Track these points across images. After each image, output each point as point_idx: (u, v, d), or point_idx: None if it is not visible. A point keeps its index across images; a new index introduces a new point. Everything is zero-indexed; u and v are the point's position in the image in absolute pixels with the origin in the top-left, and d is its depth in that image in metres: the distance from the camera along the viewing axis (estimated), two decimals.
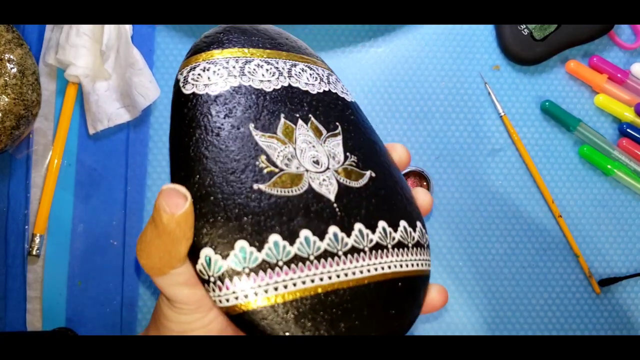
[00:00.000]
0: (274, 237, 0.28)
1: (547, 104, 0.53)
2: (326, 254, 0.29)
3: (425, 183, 0.52)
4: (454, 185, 0.53)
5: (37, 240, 0.51)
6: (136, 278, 0.52)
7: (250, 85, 0.32)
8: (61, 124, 0.52)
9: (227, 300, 0.28)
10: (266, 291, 0.28)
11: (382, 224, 0.31)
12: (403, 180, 0.35)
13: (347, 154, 0.33)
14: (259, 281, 0.28)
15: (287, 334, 0.28)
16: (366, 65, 0.54)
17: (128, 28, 0.51)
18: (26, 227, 0.52)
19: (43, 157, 0.52)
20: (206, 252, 0.28)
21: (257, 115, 0.32)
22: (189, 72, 0.32)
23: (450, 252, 0.53)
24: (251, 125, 0.31)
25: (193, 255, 0.28)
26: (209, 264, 0.28)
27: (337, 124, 0.34)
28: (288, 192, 0.30)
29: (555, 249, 0.53)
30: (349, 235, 0.30)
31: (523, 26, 0.53)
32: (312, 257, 0.29)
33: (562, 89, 0.54)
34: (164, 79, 0.54)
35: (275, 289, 0.28)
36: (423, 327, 0.53)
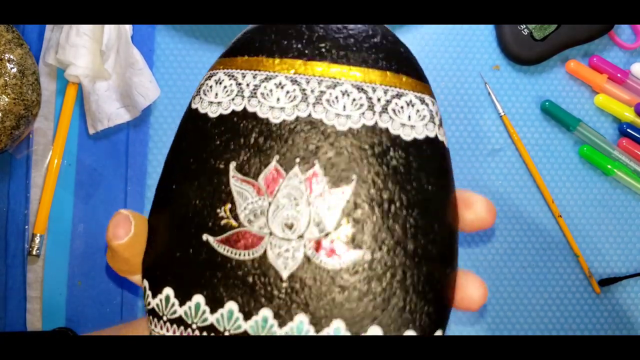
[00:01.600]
0: (198, 298, 0.26)
1: (547, 104, 0.53)
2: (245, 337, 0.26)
3: None
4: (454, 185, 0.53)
5: (37, 240, 0.51)
6: None
7: (254, 113, 0.27)
8: (61, 124, 0.52)
9: (152, 331, 0.28)
10: None
11: (337, 324, 0.25)
12: (430, 268, 0.26)
13: (344, 220, 0.26)
14: (171, 333, 0.27)
15: None
16: None
17: (128, 28, 0.51)
18: (26, 227, 0.52)
19: (43, 157, 0.52)
20: (145, 283, 0.28)
21: (246, 152, 0.27)
22: (206, 79, 0.29)
23: None
24: (232, 164, 0.27)
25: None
26: (144, 295, 0.28)
27: (354, 177, 0.26)
28: (236, 254, 0.26)
29: (555, 248, 0.53)
30: (282, 325, 0.25)
31: (523, 26, 0.53)
32: (226, 334, 0.26)
33: (562, 89, 0.54)
34: (164, 79, 0.54)
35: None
36: None
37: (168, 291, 0.27)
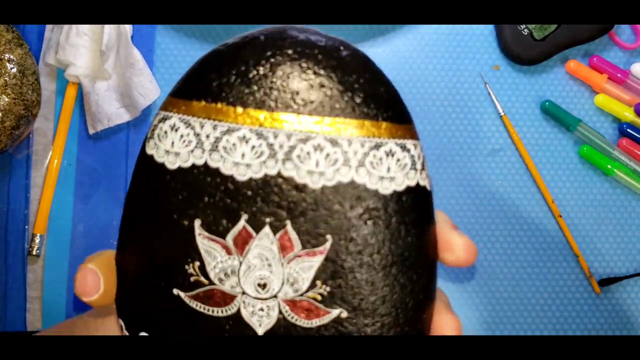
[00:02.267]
0: None
1: (547, 104, 0.53)
2: None
3: None
4: (454, 185, 0.53)
5: (37, 240, 0.51)
6: None
7: (217, 169, 0.25)
8: (61, 124, 0.52)
9: None
10: None
11: None
12: (406, 324, 0.26)
13: (317, 282, 0.25)
14: None
15: None
16: None
17: (128, 28, 0.51)
18: (26, 227, 0.52)
19: (43, 157, 0.52)
20: (120, 322, 0.27)
21: (212, 211, 0.25)
22: (160, 121, 0.26)
23: None
24: (197, 222, 0.25)
25: None
26: (122, 329, 0.27)
27: (329, 237, 0.24)
28: (208, 310, 0.25)
29: (555, 248, 0.53)
30: None
31: (523, 26, 0.53)
32: None
33: (562, 89, 0.54)
34: (164, 79, 0.54)
35: None
36: None
37: (144, 333, 0.26)
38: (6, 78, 0.47)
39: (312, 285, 0.25)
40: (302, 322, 0.25)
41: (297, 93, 0.24)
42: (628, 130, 0.53)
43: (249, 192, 0.25)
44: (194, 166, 0.25)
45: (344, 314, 0.25)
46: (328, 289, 0.25)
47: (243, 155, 0.25)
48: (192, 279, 0.25)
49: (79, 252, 0.52)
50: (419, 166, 0.26)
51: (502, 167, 0.54)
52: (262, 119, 0.24)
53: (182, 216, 0.25)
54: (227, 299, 0.25)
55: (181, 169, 0.25)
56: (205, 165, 0.25)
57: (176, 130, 0.25)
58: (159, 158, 0.26)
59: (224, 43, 0.26)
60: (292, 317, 0.25)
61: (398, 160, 0.25)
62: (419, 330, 0.26)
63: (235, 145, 0.25)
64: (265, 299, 0.25)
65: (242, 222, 0.25)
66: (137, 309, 0.26)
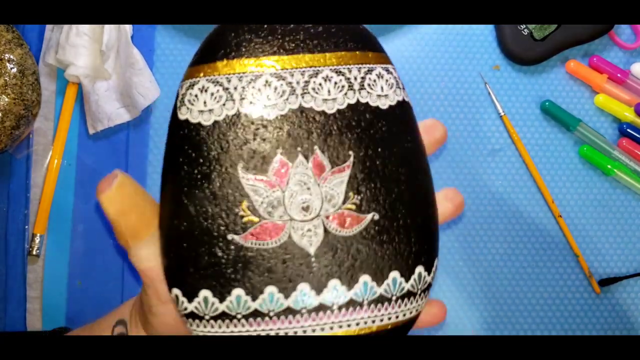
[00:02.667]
0: (237, 292, 0.28)
1: (547, 103, 0.53)
2: (287, 312, 0.28)
3: None
4: (454, 185, 0.53)
5: (37, 240, 0.51)
6: (136, 278, 0.52)
7: (248, 114, 0.28)
8: (61, 123, 0.52)
9: (194, 332, 0.29)
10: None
11: (364, 278, 0.29)
12: (422, 213, 0.31)
13: (350, 193, 0.29)
14: (217, 328, 0.28)
15: None
16: None
17: (128, 28, 0.51)
18: (26, 227, 0.52)
19: (43, 157, 0.52)
20: (175, 291, 0.29)
21: (250, 152, 0.28)
22: (187, 89, 0.29)
23: (450, 252, 0.53)
24: (240, 165, 0.28)
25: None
26: (177, 301, 0.29)
27: (351, 152, 0.29)
28: (263, 244, 0.28)
29: (555, 248, 0.53)
30: (319, 292, 0.28)
31: (523, 26, 0.53)
32: (272, 314, 0.28)
33: (562, 89, 0.54)
34: (164, 79, 0.54)
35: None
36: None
37: (205, 293, 0.28)
38: (6, 78, 0.47)
39: (346, 198, 0.29)
40: (345, 232, 0.29)
41: (303, 38, 0.29)
42: (628, 130, 0.53)
43: (279, 129, 0.29)
44: (227, 117, 0.28)
45: (377, 216, 0.29)
46: (359, 197, 0.29)
47: (268, 97, 0.29)
48: (243, 220, 0.28)
49: (79, 252, 0.52)
50: (400, 85, 0.31)
51: (502, 167, 0.54)
52: (278, 63, 0.29)
53: (223, 164, 0.28)
54: (277, 229, 0.28)
55: (216, 123, 0.29)
56: (238, 112, 0.28)
57: (206, 90, 0.29)
58: (193, 119, 0.29)
59: None
60: (336, 230, 0.29)
61: (387, 80, 0.31)
62: (430, 215, 0.32)
63: (261, 90, 0.29)
64: (310, 219, 0.29)
65: (278, 157, 0.28)
66: (195, 267, 0.28)
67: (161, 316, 0.32)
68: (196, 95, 0.29)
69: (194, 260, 0.29)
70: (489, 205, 0.53)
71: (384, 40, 0.54)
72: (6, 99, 0.47)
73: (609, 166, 0.53)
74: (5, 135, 0.47)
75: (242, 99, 0.29)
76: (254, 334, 0.28)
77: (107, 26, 0.50)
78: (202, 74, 0.29)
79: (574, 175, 0.54)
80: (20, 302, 0.51)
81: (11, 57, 0.48)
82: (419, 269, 0.30)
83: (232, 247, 0.28)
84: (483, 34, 0.54)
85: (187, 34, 0.54)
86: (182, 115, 0.29)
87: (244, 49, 0.29)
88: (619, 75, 0.53)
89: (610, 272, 0.54)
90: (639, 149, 0.53)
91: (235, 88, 0.29)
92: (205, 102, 0.29)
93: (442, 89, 0.54)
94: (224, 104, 0.29)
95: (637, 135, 0.53)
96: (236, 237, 0.28)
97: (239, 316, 0.28)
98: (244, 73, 0.29)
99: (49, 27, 0.53)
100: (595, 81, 0.53)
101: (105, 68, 0.50)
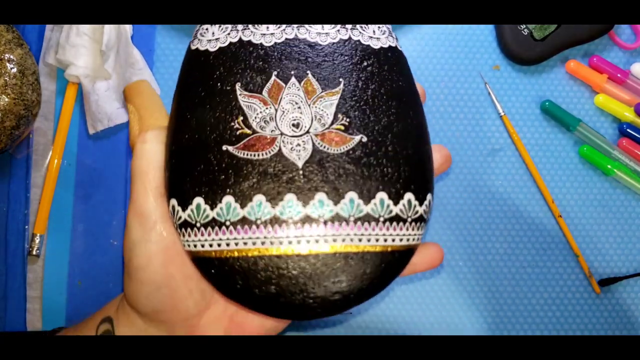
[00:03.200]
0: (227, 198, 0.30)
1: (547, 104, 0.53)
2: (274, 221, 0.29)
3: None
4: (454, 185, 0.53)
5: (37, 240, 0.51)
6: None
7: (249, 41, 0.32)
8: (61, 123, 0.52)
9: (186, 245, 0.31)
10: (211, 245, 0.30)
11: (350, 195, 0.30)
12: (413, 146, 0.32)
13: (339, 115, 0.31)
14: (206, 236, 0.30)
15: (239, 285, 0.30)
16: None
17: (128, 28, 0.51)
18: (26, 227, 0.52)
19: (43, 157, 0.52)
20: (172, 201, 0.31)
21: (248, 73, 0.32)
22: (200, 26, 0.34)
23: (450, 252, 0.53)
24: (238, 85, 0.32)
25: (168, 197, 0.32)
26: (173, 211, 0.31)
27: (341, 80, 0.32)
28: (254, 155, 0.30)
29: (555, 248, 0.53)
30: (305, 204, 0.30)
31: (523, 26, 0.53)
32: (259, 222, 0.29)
33: (562, 89, 0.54)
34: (164, 78, 0.54)
35: (219, 245, 0.30)
36: (423, 327, 0.53)
37: (198, 200, 0.30)
38: (6, 78, 0.47)
39: (335, 119, 0.31)
40: (333, 149, 0.31)
41: None
42: (628, 130, 0.53)
43: (275, 54, 0.32)
44: (230, 44, 0.33)
45: (365, 139, 0.31)
46: (348, 119, 0.31)
47: (267, 27, 0.33)
48: (237, 132, 0.31)
49: (79, 252, 0.52)
50: (394, 36, 0.35)
51: (502, 167, 0.54)
52: None
53: (224, 84, 0.32)
54: (268, 142, 0.31)
55: (221, 48, 0.33)
56: (240, 40, 0.33)
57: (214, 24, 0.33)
58: (202, 47, 0.33)
59: None
60: (324, 147, 0.31)
61: (379, 27, 0.35)
62: (421, 149, 0.32)
63: None
64: (300, 135, 0.31)
65: (273, 78, 0.32)
66: (190, 176, 0.31)
67: (145, 250, 0.32)
68: (207, 28, 0.34)
69: (190, 170, 0.31)
70: (489, 205, 0.53)
71: None
72: (6, 99, 0.47)
73: (609, 166, 0.53)
74: (5, 135, 0.47)
75: (244, 28, 0.33)
76: (241, 241, 0.30)
77: (107, 26, 0.50)
78: None
79: (574, 175, 0.54)
80: (20, 302, 0.51)
81: (11, 57, 0.48)
82: (409, 195, 0.31)
83: (226, 156, 0.30)
84: (483, 33, 0.54)
85: (187, 34, 0.54)
86: (194, 45, 0.34)
87: None
88: (619, 75, 0.53)
89: (610, 272, 0.54)
90: (639, 149, 0.53)
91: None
92: (213, 33, 0.33)
93: (442, 89, 0.54)
94: (228, 34, 0.33)
95: (637, 135, 0.53)
96: (230, 148, 0.31)
97: (227, 223, 0.30)
98: None
99: (49, 27, 0.53)
100: (595, 81, 0.53)
101: (105, 68, 0.50)
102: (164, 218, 0.32)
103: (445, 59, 0.54)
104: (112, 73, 0.51)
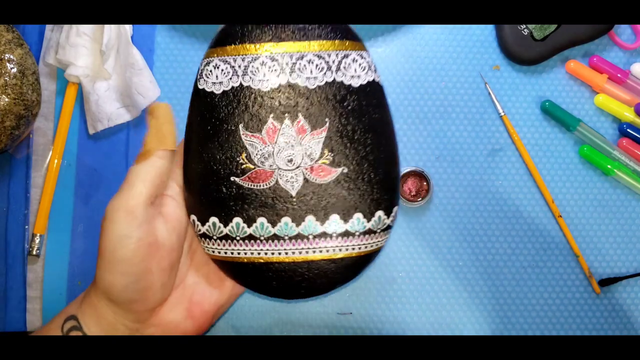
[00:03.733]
0: (237, 220, 0.38)
1: (547, 104, 0.53)
2: (274, 237, 0.38)
3: (425, 183, 0.52)
4: (454, 185, 0.53)
5: (37, 240, 0.51)
6: None
7: (248, 86, 0.37)
8: (61, 124, 0.52)
9: (206, 250, 0.39)
10: (226, 253, 0.39)
11: (334, 217, 0.38)
12: (385, 171, 0.39)
13: (325, 151, 0.38)
14: (222, 246, 0.38)
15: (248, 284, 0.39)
16: None
17: (128, 28, 0.51)
18: (26, 227, 0.52)
19: (43, 157, 0.52)
20: (192, 217, 0.39)
21: (249, 116, 0.37)
22: (205, 66, 0.39)
23: (450, 252, 0.53)
24: (241, 125, 0.38)
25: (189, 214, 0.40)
26: (194, 223, 0.39)
27: (327, 119, 0.38)
28: (257, 186, 0.38)
29: (555, 248, 0.53)
30: (298, 225, 0.38)
31: (523, 26, 0.53)
32: (262, 238, 0.38)
33: (562, 89, 0.54)
34: (164, 79, 0.54)
35: (232, 253, 0.38)
36: (423, 327, 0.53)
37: (213, 219, 0.38)
38: (6, 78, 0.47)
39: (322, 154, 0.38)
40: (320, 180, 0.38)
41: (292, 29, 0.38)
42: (628, 130, 0.53)
43: (271, 98, 0.37)
44: (232, 88, 0.38)
45: (345, 170, 0.38)
46: (332, 154, 0.38)
47: (264, 74, 0.37)
48: (242, 166, 0.38)
49: (79, 252, 0.52)
50: (373, 68, 0.39)
51: (502, 167, 0.54)
52: (272, 48, 0.38)
53: (229, 124, 0.38)
54: (267, 175, 0.38)
55: (224, 92, 0.38)
56: (240, 85, 0.38)
57: (217, 67, 0.38)
58: (208, 89, 0.38)
59: None
60: (313, 178, 0.38)
61: (360, 64, 0.39)
62: (390, 173, 0.39)
63: (258, 69, 0.38)
64: (293, 169, 0.38)
65: (270, 120, 0.38)
66: (207, 199, 0.38)
67: (130, 244, 0.36)
68: (210, 71, 0.38)
69: (205, 195, 0.38)
70: (489, 205, 0.53)
71: (384, 40, 0.54)
72: (6, 99, 0.47)
73: (609, 166, 0.53)
74: (5, 135, 0.47)
75: (244, 74, 0.38)
76: (249, 253, 0.38)
77: (107, 26, 0.50)
78: (215, 55, 0.38)
79: (574, 175, 0.54)
80: (20, 302, 0.51)
81: (11, 57, 0.48)
82: (379, 212, 0.39)
83: (234, 186, 0.38)
84: (483, 34, 0.54)
85: (187, 34, 0.54)
86: (200, 85, 0.39)
87: (246, 38, 0.38)
88: (619, 75, 0.53)
89: (611, 272, 0.54)
90: (639, 149, 0.53)
91: (239, 66, 0.38)
92: (217, 77, 0.38)
93: (442, 89, 0.54)
94: (230, 78, 0.38)
95: (637, 135, 0.53)
96: (237, 179, 0.38)
97: (237, 238, 0.38)
98: (245, 55, 0.38)
99: (49, 27, 0.53)
100: (595, 81, 0.53)
101: (105, 68, 0.50)
102: (149, 220, 0.37)
103: (446, 59, 0.54)
104: (112, 73, 0.51)
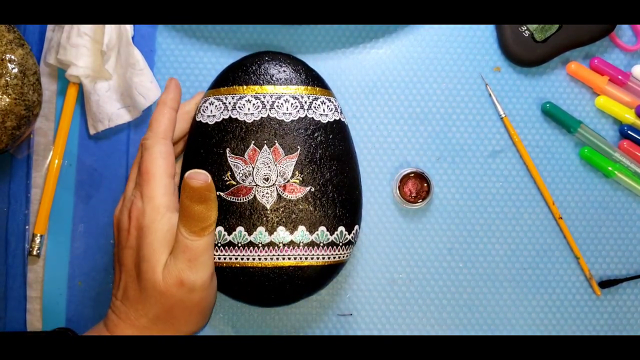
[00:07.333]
0: (219, 228, 0.45)
1: (547, 105, 0.53)
2: (250, 244, 0.45)
3: (426, 184, 0.52)
4: (455, 186, 0.53)
5: (37, 240, 0.51)
6: None
7: (236, 118, 0.46)
8: (62, 124, 0.52)
9: None
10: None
11: (301, 228, 0.45)
12: (347, 193, 0.47)
13: (296, 172, 0.46)
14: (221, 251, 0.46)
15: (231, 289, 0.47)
16: (367, 66, 0.54)
17: (129, 28, 0.51)
18: (26, 227, 0.52)
19: (44, 157, 0.52)
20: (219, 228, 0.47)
21: (235, 142, 0.46)
22: (203, 102, 0.48)
23: (450, 253, 0.53)
24: (228, 149, 0.46)
25: None
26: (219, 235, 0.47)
27: (299, 147, 0.46)
28: (237, 199, 0.46)
29: (556, 250, 0.53)
30: (270, 234, 0.45)
31: (524, 27, 0.53)
32: (239, 245, 0.45)
33: (563, 91, 0.54)
34: (165, 79, 0.54)
35: (218, 258, 0.45)
36: (423, 327, 0.53)
37: (219, 228, 0.46)
38: (7, 78, 0.47)
39: (293, 175, 0.46)
40: (291, 196, 0.46)
41: (273, 76, 0.48)
42: (629, 132, 0.53)
43: (254, 128, 0.46)
44: (223, 120, 0.47)
45: (313, 189, 0.46)
46: (302, 175, 0.46)
47: (249, 109, 0.47)
48: (227, 183, 0.46)
49: (79, 252, 0.52)
50: (339, 110, 0.49)
51: (502, 168, 0.54)
52: (257, 89, 0.47)
53: (219, 148, 0.46)
54: (247, 191, 0.46)
55: (217, 123, 0.47)
56: (229, 117, 0.47)
57: (212, 104, 0.47)
58: (204, 120, 0.47)
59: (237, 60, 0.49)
60: (285, 195, 0.46)
61: (327, 106, 0.48)
62: (352, 195, 0.48)
63: (244, 105, 0.47)
64: (269, 187, 0.46)
65: (251, 145, 0.46)
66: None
67: (159, 230, 0.42)
68: (207, 107, 0.47)
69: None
70: (490, 207, 0.53)
71: (384, 40, 0.54)
72: (7, 99, 0.47)
73: (609, 168, 0.53)
74: (6, 135, 0.47)
75: (232, 109, 0.47)
76: (228, 258, 0.45)
77: (108, 26, 0.50)
78: (211, 95, 0.48)
79: (575, 177, 0.54)
80: (20, 302, 0.51)
81: (12, 57, 0.48)
82: (341, 227, 0.46)
83: (219, 200, 0.45)
84: (484, 35, 0.54)
85: (187, 34, 0.54)
86: (198, 118, 0.48)
87: (237, 80, 0.48)
88: (620, 77, 0.53)
89: (611, 274, 0.53)
90: (639, 151, 0.53)
91: (229, 102, 0.47)
92: (211, 111, 0.47)
93: (443, 90, 0.54)
94: (222, 112, 0.47)
95: (638, 137, 0.53)
96: (222, 194, 0.46)
97: (219, 244, 0.45)
98: (235, 94, 0.47)
99: (50, 27, 0.53)
100: (596, 83, 0.53)
101: (106, 68, 0.50)
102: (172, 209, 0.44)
103: (446, 60, 0.54)
104: (112, 73, 0.51)
